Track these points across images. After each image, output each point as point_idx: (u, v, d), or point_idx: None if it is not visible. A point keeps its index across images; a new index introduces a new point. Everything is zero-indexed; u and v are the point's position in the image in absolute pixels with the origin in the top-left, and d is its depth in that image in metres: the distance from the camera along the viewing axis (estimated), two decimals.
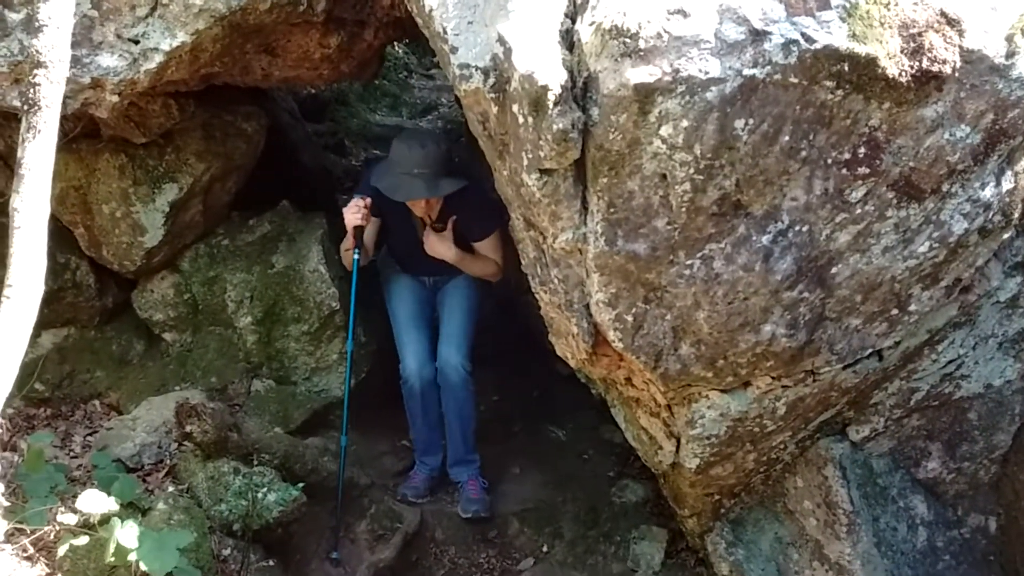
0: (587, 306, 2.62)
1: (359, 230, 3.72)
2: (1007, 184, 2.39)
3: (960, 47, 2.10)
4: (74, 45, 3.22)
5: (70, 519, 2.87)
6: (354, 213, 3.69)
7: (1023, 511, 3.00)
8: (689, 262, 2.39)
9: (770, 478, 3.18)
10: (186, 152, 4.16)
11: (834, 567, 3.05)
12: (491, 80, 2.43)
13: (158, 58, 3.34)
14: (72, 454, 3.89)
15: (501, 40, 2.37)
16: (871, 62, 2.08)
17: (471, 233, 3.86)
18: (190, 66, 3.48)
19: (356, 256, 3.73)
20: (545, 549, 3.99)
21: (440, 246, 3.76)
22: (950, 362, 2.89)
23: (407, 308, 4.14)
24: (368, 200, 3.69)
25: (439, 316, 4.19)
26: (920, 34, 2.09)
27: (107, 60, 3.34)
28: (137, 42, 3.33)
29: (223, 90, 4.10)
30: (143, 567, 2.71)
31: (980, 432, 2.99)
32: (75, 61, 3.23)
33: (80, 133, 3.86)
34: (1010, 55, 2.12)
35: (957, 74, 2.12)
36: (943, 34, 2.10)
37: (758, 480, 3.18)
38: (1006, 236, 2.55)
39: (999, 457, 3.03)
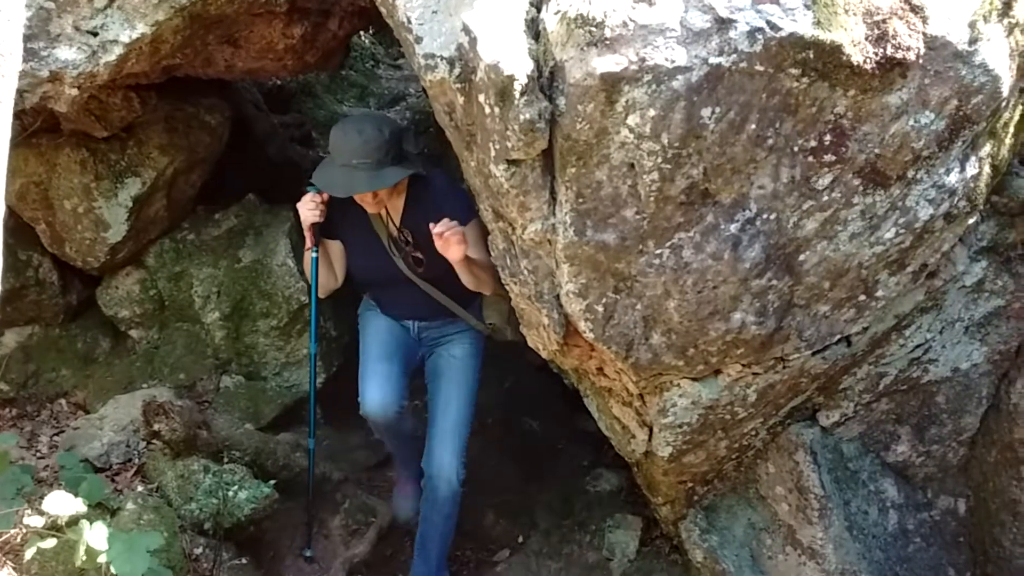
0: (557, 297, 2.61)
1: (316, 228, 3.33)
2: (971, 170, 2.40)
3: (924, 34, 2.11)
4: (31, 38, 3.17)
5: (37, 521, 2.83)
6: (310, 209, 3.26)
7: (991, 492, 3.04)
8: (658, 251, 2.39)
9: (742, 465, 3.20)
10: (149, 146, 4.10)
11: (806, 551, 3.07)
12: (456, 70, 2.41)
13: (118, 50, 3.28)
14: (38, 454, 3.84)
15: (466, 29, 2.35)
16: (836, 49, 2.08)
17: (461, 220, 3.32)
18: (151, 58, 3.42)
19: (314, 255, 3.38)
20: (520, 540, 4.00)
21: (454, 240, 2.97)
22: (917, 346, 2.91)
23: (380, 343, 3.57)
24: (324, 195, 3.24)
25: (430, 400, 3.59)
26: (884, 21, 2.10)
27: (65, 53, 3.27)
28: (96, 34, 3.27)
29: (185, 82, 4.04)
30: (113, 570, 2.68)
31: (948, 415, 3.03)
32: (32, 54, 3.17)
33: (40, 128, 3.79)
34: (973, 41, 2.14)
35: (921, 61, 2.13)
36: (907, 21, 2.11)
37: (730, 467, 3.20)
38: (971, 221, 2.57)
39: (967, 440, 3.06)
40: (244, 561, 3.50)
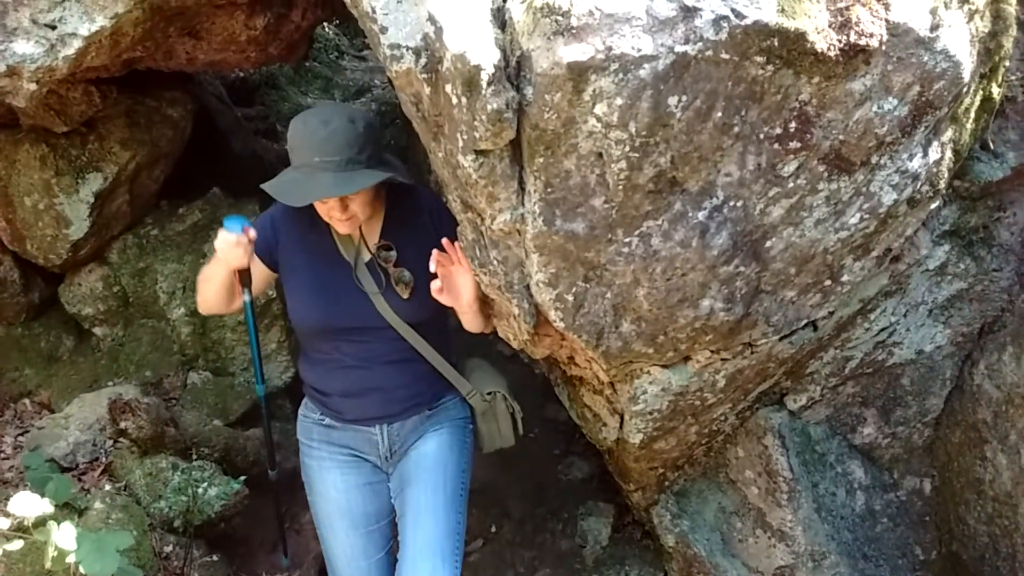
0: (527, 287, 2.61)
1: (243, 274, 2.56)
2: (934, 155, 2.44)
3: (886, 20, 2.13)
4: None
5: (3, 523, 2.78)
6: (233, 247, 2.45)
7: (956, 472, 3.09)
8: (627, 240, 2.39)
9: (712, 450, 3.23)
10: (110, 140, 4.04)
11: (776, 533, 3.11)
12: (423, 60, 2.39)
13: (77, 44, 3.22)
14: (2, 455, 3.78)
15: (431, 19, 2.33)
16: (800, 37, 2.09)
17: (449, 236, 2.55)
18: (111, 51, 3.36)
19: (248, 299, 2.62)
20: (493, 529, 4.01)
21: (463, 279, 2.49)
22: (882, 330, 2.95)
23: (347, 521, 2.65)
24: (251, 232, 2.45)
25: (402, 509, 2.60)
26: (847, 8, 2.11)
27: (22, 47, 3.21)
28: (54, 27, 3.21)
29: (147, 75, 3.99)
30: (82, 570, 2.64)
31: (913, 397, 3.07)
32: None
33: None
34: (934, 27, 2.16)
35: (884, 47, 2.15)
36: (869, 8, 2.12)
37: (700, 452, 3.22)
38: (934, 206, 2.60)
39: (932, 421, 3.11)
40: (215, 558, 3.47)
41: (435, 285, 2.41)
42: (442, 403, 2.71)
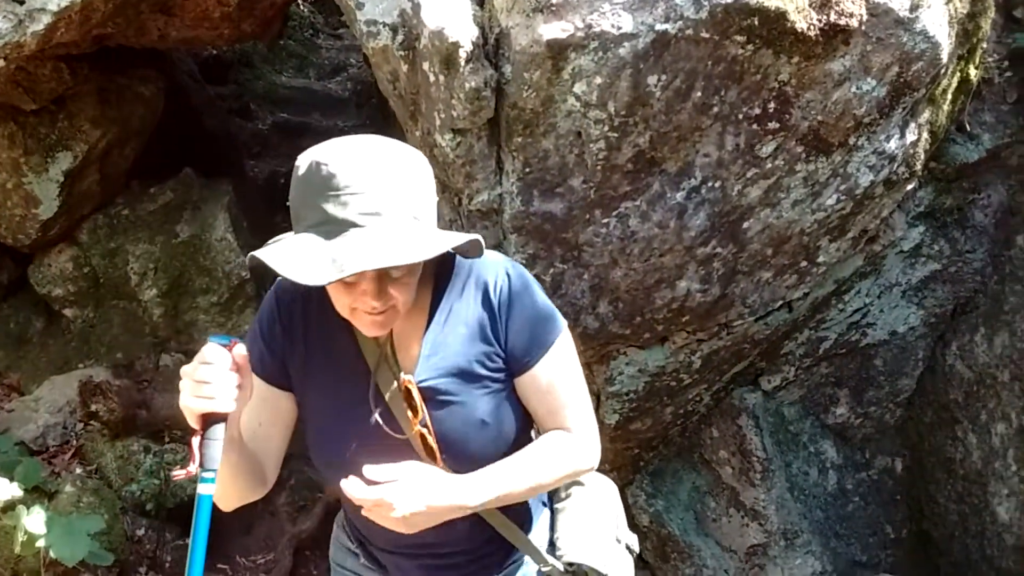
0: None
1: (210, 420, 1.33)
2: (911, 136, 2.45)
3: (866, 1, 2.13)
4: None
5: None
6: (205, 387, 1.32)
7: (927, 451, 3.13)
8: (605, 220, 2.39)
9: (687, 430, 3.24)
10: (80, 118, 3.97)
11: (749, 513, 3.13)
12: (400, 37, 2.37)
13: (46, 19, 3.15)
14: None
15: None
16: (780, 16, 2.09)
17: (517, 355, 1.55)
18: (80, 27, 3.30)
19: (206, 479, 1.33)
20: None
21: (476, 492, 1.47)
22: (856, 311, 2.97)
23: None
24: (240, 348, 1.36)
25: None
26: None
27: None
28: (22, 2, 3.14)
29: (118, 52, 3.93)
30: (52, 555, 2.62)
31: (885, 377, 3.10)
32: None
33: None
34: (914, 8, 2.16)
35: (863, 27, 2.15)
36: None
37: (675, 432, 3.24)
38: (910, 187, 2.62)
39: (904, 401, 3.14)
40: (189, 541, 3.45)
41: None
42: (514, 562, 1.77)
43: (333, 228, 1.32)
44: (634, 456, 3.27)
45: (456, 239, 1.39)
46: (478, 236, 1.42)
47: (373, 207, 1.32)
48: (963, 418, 2.99)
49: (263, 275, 1.48)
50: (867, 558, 3.16)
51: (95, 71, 3.90)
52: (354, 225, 1.31)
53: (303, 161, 1.38)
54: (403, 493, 1.36)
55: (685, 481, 3.35)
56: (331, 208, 1.32)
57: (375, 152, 1.37)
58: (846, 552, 3.15)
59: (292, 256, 1.33)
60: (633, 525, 3.48)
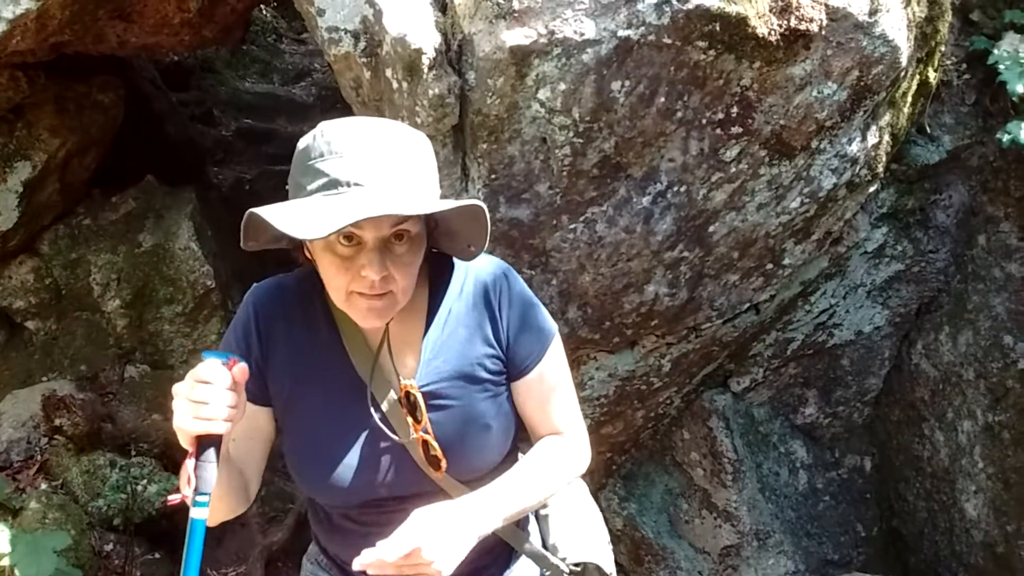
0: None
1: (206, 442, 1.27)
2: (872, 139, 2.47)
3: (826, 5, 2.15)
4: None
5: None
6: (202, 408, 1.26)
7: (895, 450, 3.16)
8: (572, 226, 2.38)
9: (658, 433, 3.25)
10: (38, 127, 3.91)
11: (722, 514, 3.14)
12: (362, 44, 2.35)
13: (1, 27, 3.09)
14: None
15: (370, 2, 2.29)
16: (741, 22, 2.10)
17: (517, 360, 1.51)
18: (37, 35, 3.24)
19: (199, 503, 1.28)
20: None
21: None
22: (823, 312, 2.99)
23: None
24: (241, 366, 1.27)
25: None
26: None
27: None
28: None
29: (76, 60, 3.86)
30: (18, 573, 2.57)
31: (853, 377, 3.12)
32: None
33: None
34: (873, 12, 2.18)
35: (823, 32, 2.16)
36: None
37: (647, 435, 3.24)
38: (872, 189, 2.64)
39: (871, 400, 3.17)
40: (157, 556, 3.41)
41: None
42: (511, 570, 1.70)
43: (335, 188, 1.28)
44: (606, 460, 3.27)
45: (461, 203, 1.35)
46: (482, 204, 1.37)
47: (376, 168, 1.29)
48: (930, 416, 3.02)
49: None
50: (839, 557, 3.19)
51: (53, 79, 3.84)
52: (357, 184, 1.28)
53: (302, 139, 1.35)
54: (434, 548, 1.25)
55: (657, 484, 3.35)
56: (333, 168, 1.29)
57: (377, 123, 1.35)
58: (818, 551, 3.17)
59: (293, 213, 1.27)
60: (607, 529, 3.49)
